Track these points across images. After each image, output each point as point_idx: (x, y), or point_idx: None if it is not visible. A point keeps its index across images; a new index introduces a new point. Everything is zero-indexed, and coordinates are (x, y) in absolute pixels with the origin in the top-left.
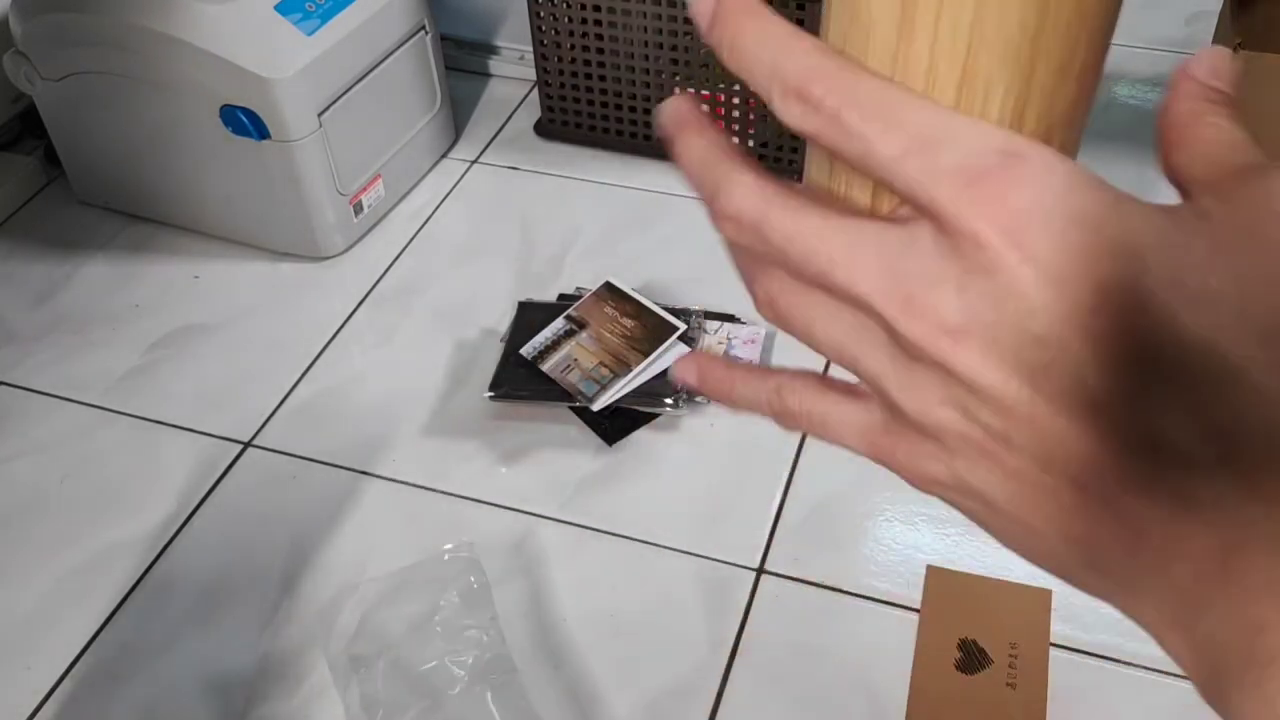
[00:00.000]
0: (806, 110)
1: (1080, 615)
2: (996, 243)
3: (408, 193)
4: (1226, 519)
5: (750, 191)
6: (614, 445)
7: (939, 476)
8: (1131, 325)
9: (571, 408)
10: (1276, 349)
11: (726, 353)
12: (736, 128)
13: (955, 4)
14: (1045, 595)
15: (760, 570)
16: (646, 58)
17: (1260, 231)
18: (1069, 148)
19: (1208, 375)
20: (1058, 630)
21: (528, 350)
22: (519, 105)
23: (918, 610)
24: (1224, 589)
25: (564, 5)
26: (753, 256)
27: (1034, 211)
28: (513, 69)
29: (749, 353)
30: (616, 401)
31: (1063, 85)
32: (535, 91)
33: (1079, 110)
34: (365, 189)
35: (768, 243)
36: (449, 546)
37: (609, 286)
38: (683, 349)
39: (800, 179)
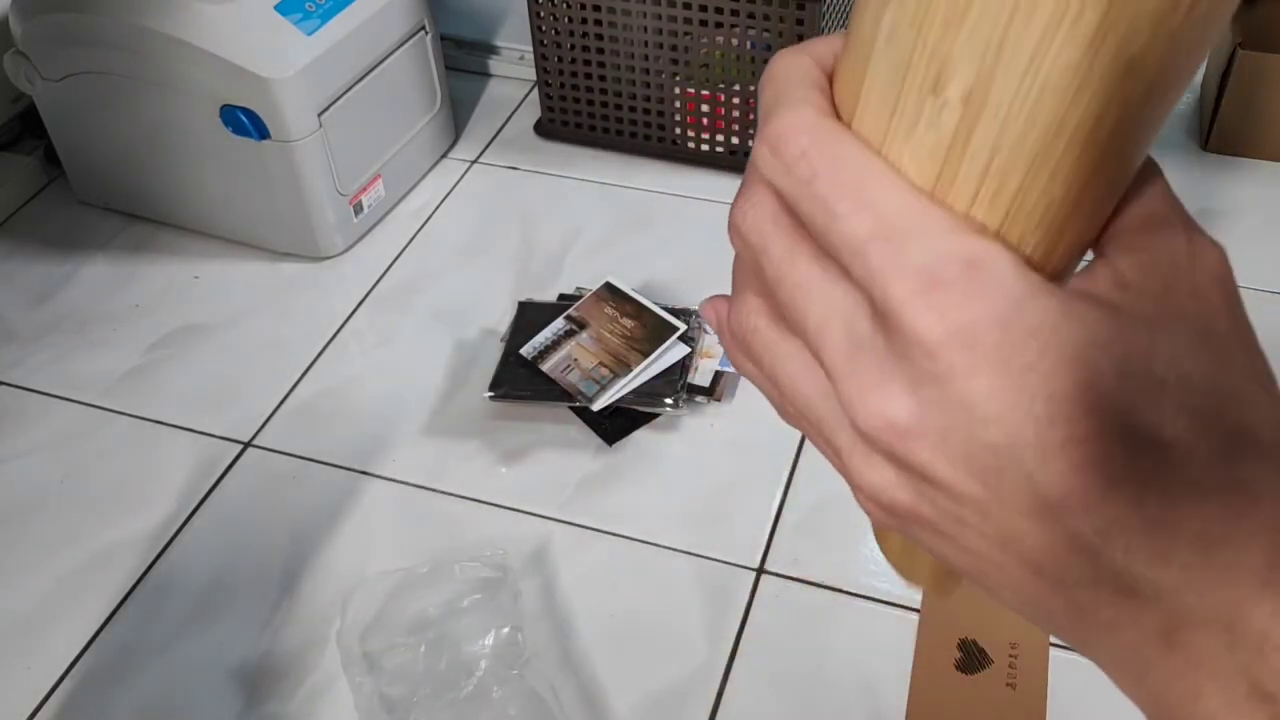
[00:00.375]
0: (778, 165)
1: None
2: (949, 355)
3: (408, 193)
4: (1167, 605)
5: (762, 214)
6: (614, 445)
7: (894, 528)
8: (1085, 434)
9: (571, 408)
10: (1210, 436)
11: (726, 353)
12: (736, 128)
13: (1001, 172)
14: None
15: (760, 570)
16: (646, 58)
17: (1177, 305)
18: (1072, 271)
19: (1154, 474)
20: None
21: (528, 350)
22: (519, 105)
23: (918, 610)
24: (1166, 658)
25: (564, 5)
26: (749, 272)
27: (989, 325)
28: (513, 69)
29: None
30: (616, 401)
31: (1090, 229)
32: (535, 91)
33: (1093, 238)
34: (365, 189)
35: (762, 273)
36: (485, 553)
37: (609, 286)
38: (683, 349)
39: None
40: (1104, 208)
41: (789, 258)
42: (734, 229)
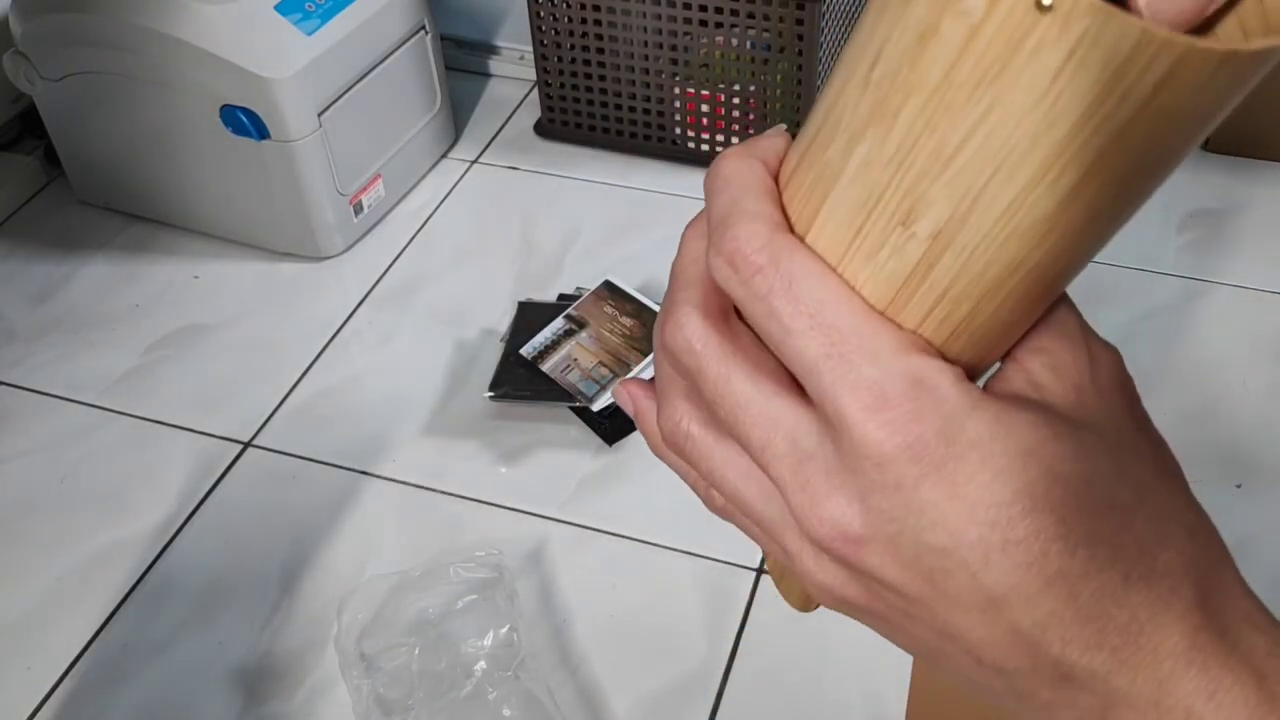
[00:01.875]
0: (734, 277)
1: None
2: (898, 467)
3: (408, 193)
4: (1101, 688)
5: (690, 333)
6: (614, 445)
7: (844, 613)
8: (1024, 536)
9: (571, 408)
10: (1134, 528)
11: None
12: (736, 128)
13: (954, 300)
14: None
15: (760, 570)
16: (646, 58)
17: (1088, 406)
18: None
19: (1087, 569)
20: None
21: (528, 350)
22: (519, 105)
23: None
24: None
25: (564, 5)
26: (676, 376)
27: (935, 439)
28: (513, 69)
29: None
30: (617, 401)
31: (1018, 338)
32: (535, 91)
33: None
34: (365, 189)
35: (699, 390)
36: (480, 553)
37: (609, 286)
38: None
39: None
40: (1035, 320)
41: (724, 379)
42: (664, 348)
